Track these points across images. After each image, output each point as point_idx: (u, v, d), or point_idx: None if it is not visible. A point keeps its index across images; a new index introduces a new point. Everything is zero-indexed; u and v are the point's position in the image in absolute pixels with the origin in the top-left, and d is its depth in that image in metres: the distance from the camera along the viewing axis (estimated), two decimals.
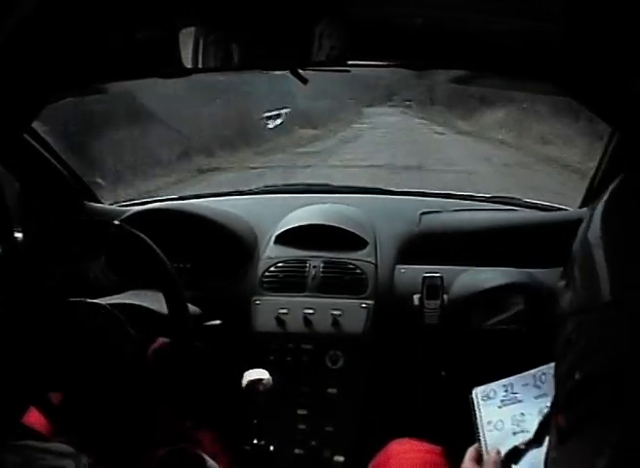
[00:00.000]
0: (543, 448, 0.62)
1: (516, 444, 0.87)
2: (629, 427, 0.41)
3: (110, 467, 1.02)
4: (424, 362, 1.55)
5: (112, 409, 1.05)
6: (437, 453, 1.08)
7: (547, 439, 0.53)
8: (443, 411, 1.08)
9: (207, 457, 0.94)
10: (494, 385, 0.98)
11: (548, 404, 0.80)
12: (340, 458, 1.44)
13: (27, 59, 0.87)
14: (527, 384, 0.95)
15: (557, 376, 0.50)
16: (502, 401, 0.96)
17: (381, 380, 1.54)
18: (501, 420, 0.93)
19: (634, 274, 0.42)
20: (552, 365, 0.50)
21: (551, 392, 0.50)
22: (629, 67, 0.80)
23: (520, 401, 0.94)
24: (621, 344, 0.42)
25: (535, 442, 0.78)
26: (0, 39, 0.70)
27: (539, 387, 0.93)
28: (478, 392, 0.99)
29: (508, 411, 0.94)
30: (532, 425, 0.87)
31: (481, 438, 0.93)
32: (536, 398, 0.92)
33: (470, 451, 0.95)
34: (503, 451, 0.88)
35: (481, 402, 0.97)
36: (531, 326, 1.40)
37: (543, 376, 0.91)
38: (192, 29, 0.88)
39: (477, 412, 0.96)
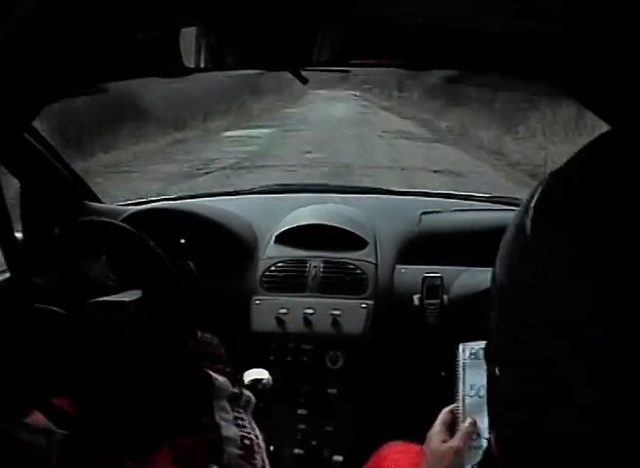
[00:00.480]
0: None
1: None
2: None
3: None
4: (424, 362, 1.55)
5: (118, 404, 1.05)
6: None
7: None
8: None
9: (215, 375, 0.88)
10: (484, 344, 0.94)
11: None
12: (340, 458, 1.44)
13: (27, 59, 0.87)
14: None
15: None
16: None
17: (381, 380, 1.54)
18: (484, 386, 0.90)
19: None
20: None
21: None
22: (629, 67, 0.80)
23: None
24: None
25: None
26: (0, 39, 0.70)
27: None
28: (467, 348, 0.91)
29: None
30: None
31: (459, 401, 0.88)
32: None
33: (444, 414, 0.89)
34: (479, 424, 0.84)
35: (468, 360, 0.90)
36: None
37: None
38: (192, 29, 0.88)
39: (461, 371, 0.90)
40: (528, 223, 0.45)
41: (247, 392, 0.90)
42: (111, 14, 0.82)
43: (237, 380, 0.90)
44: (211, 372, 0.88)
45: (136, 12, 0.84)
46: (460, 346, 0.92)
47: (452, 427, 0.87)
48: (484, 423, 0.84)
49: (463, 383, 0.89)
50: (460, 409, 0.87)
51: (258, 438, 0.87)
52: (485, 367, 0.58)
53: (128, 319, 1.04)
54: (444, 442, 0.85)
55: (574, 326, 0.39)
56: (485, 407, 0.86)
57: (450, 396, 0.99)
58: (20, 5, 0.65)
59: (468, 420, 0.85)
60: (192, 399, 0.86)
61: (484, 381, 0.88)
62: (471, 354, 0.91)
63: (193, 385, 0.88)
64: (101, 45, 0.93)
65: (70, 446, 0.85)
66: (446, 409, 0.89)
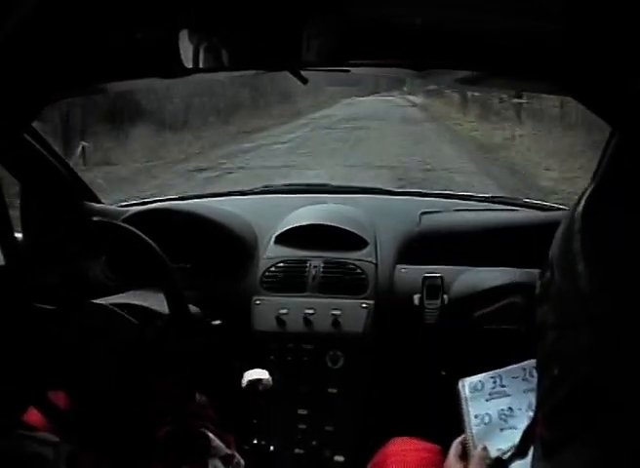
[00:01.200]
0: (528, 460, 0.61)
1: (502, 446, 0.86)
2: (615, 446, 0.41)
3: (113, 456, 1.02)
4: (424, 361, 1.55)
5: (115, 406, 1.05)
6: (435, 452, 1.08)
7: (532, 450, 0.53)
8: (443, 411, 1.07)
9: (212, 436, 0.93)
10: (482, 377, 0.96)
11: None
12: (340, 458, 1.44)
13: (28, 59, 0.87)
14: (516, 377, 0.93)
15: (540, 389, 0.49)
16: (490, 394, 0.94)
17: (382, 380, 1.54)
18: (489, 414, 0.92)
19: (612, 292, 0.42)
20: None
21: None
22: (629, 67, 0.80)
23: (508, 395, 0.92)
24: (600, 363, 0.42)
25: (518, 453, 0.77)
26: (0, 39, 0.70)
27: (527, 380, 0.91)
28: (466, 384, 0.96)
29: (496, 405, 0.92)
30: (519, 421, 0.87)
31: (467, 432, 0.92)
32: (524, 392, 0.90)
33: (455, 446, 0.93)
34: (490, 448, 0.87)
35: (468, 394, 0.95)
36: (530, 325, 1.40)
37: (533, 370, 0.90)
38: (192, 29, 0.89)
39: (464, 405, 0.94)
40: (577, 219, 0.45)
41: (237, 455, 0.96)
42: (111, 14, 0.82)
43: (229, 444, 0.96)
44: (208, 433, 0.93)
45: (136, 12, 0.84)
46: (460, 383, 0.97)
47: (464, 457, 0.91)
48: (493, 447, 0.88)
49: (468, 416, 0.93)
50: (470, 440, 0.91)
51: None
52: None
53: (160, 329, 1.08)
54: None
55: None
56: (490, 431, 0.89)
57: (450, 396, 0.99)
58: (20, 5, 0.65)
59: (480, 446, 0.89)
60: (190, 453, 0.91)
61: (487, 409, 0.92)
62: (471, 388, 0.95)
63: (192, 441, 0.92)
64: (102, 45, 0.93)
65: (77, 458, 0.86)
66: (456, 441, 0.93)
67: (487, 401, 0.93)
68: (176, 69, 0.92)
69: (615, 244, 0.43)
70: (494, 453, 0.87)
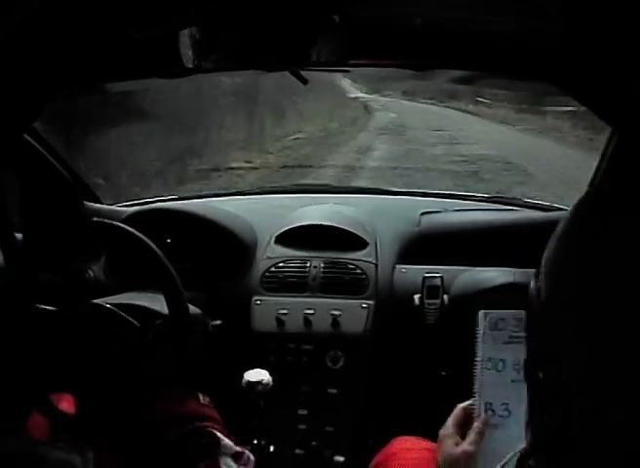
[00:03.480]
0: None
1: (508, 402, 0.81)
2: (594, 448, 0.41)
3: (119, 458, 1.02)
4: (424, 362, 1.55)
5: (118, 406, 1.05)
6: (436, 451, 1.08)
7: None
8: (443, 411, 1.07)
9: (221, 435, 0.94)
10: (505, 314, 0.88)
11: None
12: (341, 458, 1.44)
13: (28, 59, 0.87)
14: None
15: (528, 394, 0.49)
16: (511, 336, 0.86)
17: (382, 380, 1.54)
18: (503, 361, 0.85)
19: (594, 298, 0.42)
20: None
21: None
22: (629, 67, 0.80)
23: None
24: (577, 369, 0.42)
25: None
26: (1, 39, 0.70)
27: None
28: (488, 316, 0.88)
29: (512, 352, 0.84)
30: None
31: (477, 374, 0.86)
32: None
33: (457, 412, 0.88)
34: (494, 400, 0.82)
35: (488, 331, 0.87)
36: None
37: None
38: (193, 29, 0.88)
39: (480, 341, 0.87)
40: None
41: (247, 452, 0.96)
42: (111, 14, 0.82)
43: (236, 442, 0.97)
44: (216, 432, 0.94)
45: (136, 12, 0.84)
46: (481, 313, 0.89)
47: (464, 425, 0.86)
48: (499, 399, 0.83)
49: (483, 353, 0.86)
50: (477, 382, 0.85)
51: None
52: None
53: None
54: (456, 444, 0.84)
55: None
56: (500, 381, 0.83)
57: (449, 396, 0.98)
58: (20, 5, 0.65)
59: (481, 419, 0.84)
60: (201, 453, 0.91)
61: (503, 354, 0.85)
62: (491, 324, 0.87)
63: (201, 441, 0.93)
64: (102, 45, 0.93)
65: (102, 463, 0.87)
66: (460, 406, 0.88)
67: (504, 344, 0.86)
68: (176, 69, 0.92)
69: (605, 248, 0.43)
70: (498, 409, 0.83)
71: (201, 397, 1.03)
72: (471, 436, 0.83)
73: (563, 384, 0.43)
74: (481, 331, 0.88)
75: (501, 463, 0.61)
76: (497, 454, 0.64)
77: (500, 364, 0.85)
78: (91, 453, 0.84)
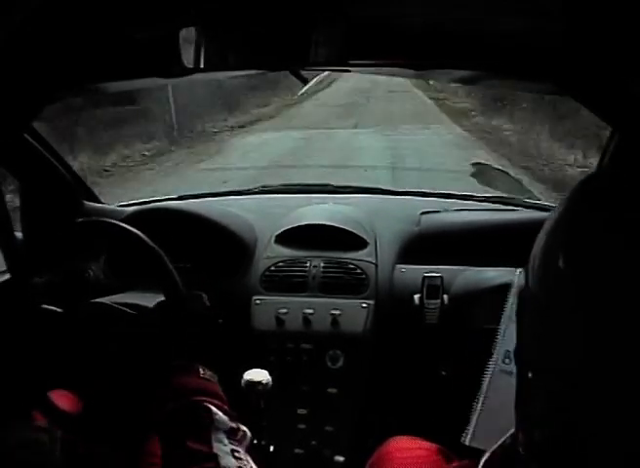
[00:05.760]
0: None
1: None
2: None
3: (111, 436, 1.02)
4: (424, 362, 1.55)
5: (122, 403, 1.05)
6: (434, 451, 1.07)
7: None
8: (443, 411, 1.07)
9: (215, 410, 0.91)
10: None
11: None
12: (341, 458, 1.44)
13: (28, 59, 0.87)
14: None
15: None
16: None
17: (381, 380, 1.54)
18: None
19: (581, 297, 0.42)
20: None
21: None
22: (629, 67, 0.80)
23: None
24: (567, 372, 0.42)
25: None
26: (1, 39, 0.70)
27: None
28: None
29: None
30: None
31: (502, 324, 0.88)
32: None
33: None
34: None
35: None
36: None
37: None
38: (192, 29, 0.89)
39: (511, 295, 0.90)
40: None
41: (243, 427, 0.94)
42: (112, 14, 0.82)
43: (234, 417, 0.94)
44: (211, 406, 0.91)
45: (136, 12, 0.84)
46: (517, 271, 0.93)
47: None
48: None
49: (510, 307, 0.89)
50: (500, 332, 0.88)
51: None
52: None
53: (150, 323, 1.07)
54: None
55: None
56: None
57: (449, 396, 0.98)
58: (20, 5, 0.65)
59: None
60: (192, 427, 0.89)
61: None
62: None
63: (193, 416, 0.91)
64: (102, 45, 0.93)
65: (72, 443, 0.87)
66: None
67: None
68: (176, 69, 0.92)
69: (594, 243, 0.43)
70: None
71: (201, 370, 1.01)
72: None
73: (550, 383, 0.43)
74: (515, 288, 0.91)
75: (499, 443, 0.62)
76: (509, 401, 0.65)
77: None
78: (59, 432, 0.84)
